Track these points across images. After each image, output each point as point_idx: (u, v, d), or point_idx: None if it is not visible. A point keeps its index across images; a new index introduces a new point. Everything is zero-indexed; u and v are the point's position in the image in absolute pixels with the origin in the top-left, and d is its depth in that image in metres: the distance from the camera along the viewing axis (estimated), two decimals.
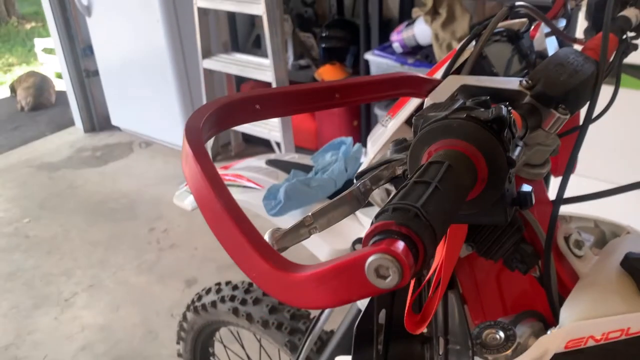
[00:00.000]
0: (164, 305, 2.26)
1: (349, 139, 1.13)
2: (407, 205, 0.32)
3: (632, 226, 0.75)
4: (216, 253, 2.51)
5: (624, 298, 0.60)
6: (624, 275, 0.63)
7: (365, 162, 0.73)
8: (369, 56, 2.72)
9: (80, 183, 3.27)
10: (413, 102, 0.67)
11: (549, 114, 0.52)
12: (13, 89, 4.65)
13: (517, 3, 0.66)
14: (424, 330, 0.53)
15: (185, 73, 3.18)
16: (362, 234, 0.33)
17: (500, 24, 0.65)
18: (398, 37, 2.65)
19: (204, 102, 3.06)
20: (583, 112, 0.60)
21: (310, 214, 0.44)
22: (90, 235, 2.77)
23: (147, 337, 2.12)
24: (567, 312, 0.61)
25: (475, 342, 0.60)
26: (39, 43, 5.37)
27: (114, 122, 3.77)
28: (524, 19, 0.68)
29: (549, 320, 0.67)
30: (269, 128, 2.92)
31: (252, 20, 3.44)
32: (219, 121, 0.44)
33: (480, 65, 0.62)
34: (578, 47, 0.65)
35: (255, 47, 3.40)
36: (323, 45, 3.17)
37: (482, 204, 0.41)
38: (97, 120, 3.89)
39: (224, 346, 1.50)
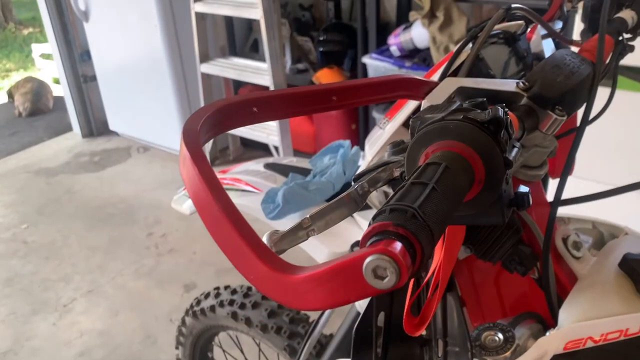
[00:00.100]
0: (163, 310, 2.26)
1: (347, 142, 1.13)
2: (404, 206, 0.32)
3: (630, 227, 0.75)
4: (215, 257, 2.51)
5: (623, 299, 0.61)
6: (622, 276, 0.63)
7: (363, 164, 0.73)
8: (366, 60, 2.72)
9: (78, 188, 3.27)
10: (410, 105, 0.67)
11: (546, 116, 0.52)
12: (11, 94, 4.65)
13: (514, 5, 0.66)
14: (423, 332, 0.53)
15: (183, 78, 3.18)
16: (360, 237, 0.33)
17: (497, 27, 0.66)
18: (395, 41, 2.65)
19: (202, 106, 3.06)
20: (580, 113, 0.60)
21: (308, 216, 0.44)
22: (89, 240, 2.76)
23: (145, 342, 2.11)
24: (566, 314, 0.61)
25: (474, 344, 0.60)
26: (37, 48, 5.37)
27: (111, 127, 3.77)
28: (521, 22, 0.68)
29: (548, 321, 0.67)
30: (267, 132, 2.92)
31: (250, 25, 3.44)
32: (217, 124, 0.44)
33: (477, 68, 0.62)
34: (575, 48, 0.65)
35: (252, 51, 3.41)
36: (321, 49, 3.18)
37: (480, 205, 0.41)
38: (95, 125, 3.88)
39: (223, 351, 1.50)
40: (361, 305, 0.93)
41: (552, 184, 0.70)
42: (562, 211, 0.67)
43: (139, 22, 3.08)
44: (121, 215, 2.95)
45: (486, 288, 0.73)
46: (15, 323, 2.27)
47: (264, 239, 0.42)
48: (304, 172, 1.10)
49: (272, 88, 2.78)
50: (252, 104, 0.46)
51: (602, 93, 0.63)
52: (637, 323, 0.58)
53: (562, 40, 0.73)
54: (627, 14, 0.68)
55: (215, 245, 0.36)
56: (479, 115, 0.40)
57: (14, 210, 3.09)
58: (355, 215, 0.98)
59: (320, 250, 0.97)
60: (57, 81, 4.33)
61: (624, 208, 1.08)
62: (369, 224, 0.32)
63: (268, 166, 1.17)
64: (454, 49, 0.65)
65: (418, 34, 2.57)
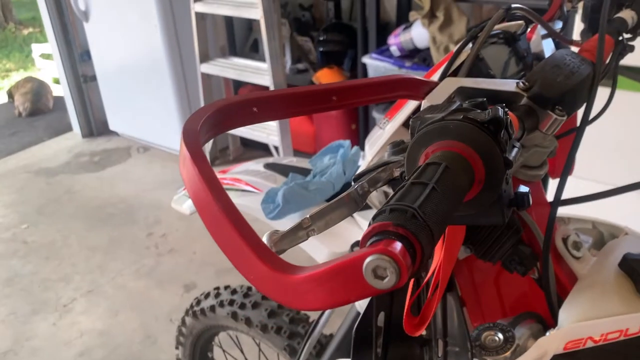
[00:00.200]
0: (163, 310, 2.26)
1: (347, 142, 1.13)
2: (404, 206, 0.32)
3: (630, 227, 0.75)
4: (215, 257, 2.51)
5: (623, 299, 0.61)
6: (622, 276, 0.63)
7: (363, 164, 0.73)
8: (366, 60, 2.72)
9: (78, 188, 3.27)
10: (410, 105, 0.67)
11: (546, 116, 0.52)
12: (11, 94, 4.65)
13: (514, 5, 0.66)
14: (423, 332, 0.53)
15: (183, 78, 3.18)
16: (360, 237, 0.33)
17: (496, 27, 0.65)
18: (395, 41, 2.65)
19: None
20: (580, 113, 0.60)
21: (308, 216, 0.44)
22: (89, 240, 2.76)
23: (145, 342, 2.11)
24: (566, 314, 0.61)
25: (474, 344, 0.60)
26: (37, 49, 5.37)
27: (111, 127, 3.77)
28: (521, 22, 0.68)
29: (548, 321, 0.67)
30: (268, 132, 2.92)
31: (250, 25, 3.44)
32: (217, 124, 0.44)
33: (477, 68, 0.62)
34: (575, 48, 0.65)
35: (253, 51, 3.40)
36: (321, 49, 3.18)
37: (480, 205, 0.41)
38: (95, 125, 3.88)
39: (223, 351, 1.50)
40: (361, 305, 0.93)
41: (552, 184, 0.70)
42: (562, 211, 0.67)
43: (139, 22, 3.08)
44: (121, 215, 2.95)
45: (486, 288, 0.73)
46: (15, 323, 2.27)
47: (264, 239, 0.42)
48: (304, 172, 1.10)
49: (272, 88, 2.78)
50: (252, 104, 0.46)
51: (602, 93, 0.63)
52: (637, 323, 0.58)
53: (562, 40, 0.73)
54: (627, 14, 0.68)
55: (216, 246, 0.36)
56: (479, 115, 0.40)
57: (14, 210, 3.09)
58: (355, 215, 0.98)
59: (321, 250, 0.97)
60: (57, 81, 4.33)
61: (624, 208, 1.08)
62: (369, 224, 0.32)
63: (268, 166, 1.17)
64: (454, 49, 0.65)
65: (418, 34, 2.57)
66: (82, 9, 3.29)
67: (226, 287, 1.33)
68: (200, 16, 2.88)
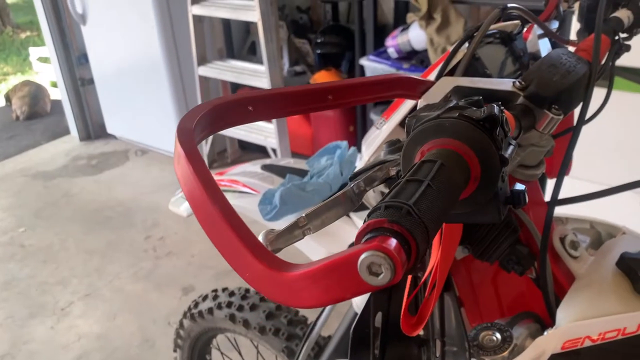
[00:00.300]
0: (161, 313, 2.25)
1: (344, 143, 1.13)
2: (399, 203, 0.32)
3: (627, 227, 0.75)
4: (213, 260, 2.50)
5: (620, 298, 0.60)
6: (620, 275, 0.63)
7: (360, 165, 0.73)
8: (364, 62, 2.73)
9: (75, 192, 3.26)
10: (407, 105, 0.67)
11: (542, 115, 0.52)
12: (8, 98, 4.64)
13: (510, 5, 0.66)
14: (421, 332, 0.53)
15: (180, 80, 3.18)
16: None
17: (493, 26, 0.65)
18: (393, 43, 2.65)
19: None
20: (577, 113, 0.60)
21: (304, 214, 0.44)
22: (86, 243, 2.76)
23: (144, 346, 2.11)
24: (564, 313, 0.61)
25: (472, 344, 0.60)
26: (34, 52, 5.37)
27: (109, 130, 3.77)
28: (517, 21, 0.68)
29: (546, 321, 0.67)
30: (265, 134, 2.92)
31: (247, 27, 3.45)
32: (212, 122, 0.44)
33: (474, 67, 0.62)
34: (571, 48, 0.65)
35: (250, 53, 3.41)
36: (318, 51, 3.18)
37: (476, 203, 0.41)
38: (93, 128, 3.88)
39: (221, 353, 1.49)
40: (359, 305, 0.93)
41: (550, 184, 0.70)
42: (559, 211, 0.67)
43: (137, 25, 3.08)
44: (119, 219, 2.95)
45: (484, 288, 0.73)
46: (13, 327, 2.26)
47: (260, 238, 0.41)
48: (301, 173, 1.10)
49: None
50: (247, 103, 0.46)
51: (599, 93, 0.63)
52: (635, 322, 0.58)
53: (558, 39, 0.73)
54: (623, 14, 0.68)
55: (214, 248, 0.35)
56: (475, 113, 0.40)
57: (11, 213, 3.08)
58: (352, 215, 0.98)
59: (317, 250, 0.97)
60: (54, 84, 4.34)
61: (621, 208, 1.08)
62: (364, 221, 0.32)
63: (265, 167, 1.17)
64: (450, 49, 0.65)
65: (415, 35, 2.57)
66: (79, 12, 3.29)
67: (224, 290, 1.33)
68: (198, 19, 2.88)
